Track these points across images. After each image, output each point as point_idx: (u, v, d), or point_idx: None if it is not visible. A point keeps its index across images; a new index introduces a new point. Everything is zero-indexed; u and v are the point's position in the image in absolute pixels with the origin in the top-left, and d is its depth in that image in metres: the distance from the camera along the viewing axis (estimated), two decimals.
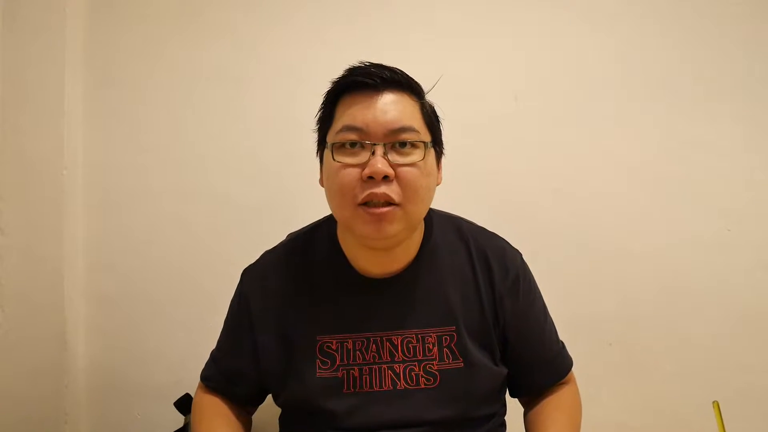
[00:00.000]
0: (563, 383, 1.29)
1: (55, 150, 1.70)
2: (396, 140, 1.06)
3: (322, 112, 1.14)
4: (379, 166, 1.04)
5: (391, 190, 1.05)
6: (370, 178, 1.04)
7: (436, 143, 1.15)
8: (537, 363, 1.25)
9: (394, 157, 1.06)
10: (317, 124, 1.16)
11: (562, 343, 1.31)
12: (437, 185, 1.16)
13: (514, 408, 1.31)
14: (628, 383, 1.74)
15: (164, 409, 1.66)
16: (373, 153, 1.04)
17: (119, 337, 1.77)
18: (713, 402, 0.96)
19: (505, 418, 1.28)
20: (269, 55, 1.80)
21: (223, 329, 1.29)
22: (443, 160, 1.20)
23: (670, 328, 1.73)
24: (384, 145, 1.05)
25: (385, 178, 1.04)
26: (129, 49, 1.82)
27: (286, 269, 1.22)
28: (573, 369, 1.32)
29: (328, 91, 1.13)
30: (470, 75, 1.75)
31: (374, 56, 1.17)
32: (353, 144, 1.07)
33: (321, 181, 1.17)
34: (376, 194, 1.05)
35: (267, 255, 1.28)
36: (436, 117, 1.16)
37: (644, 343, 1.74)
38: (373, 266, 1.17)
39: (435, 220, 1.23)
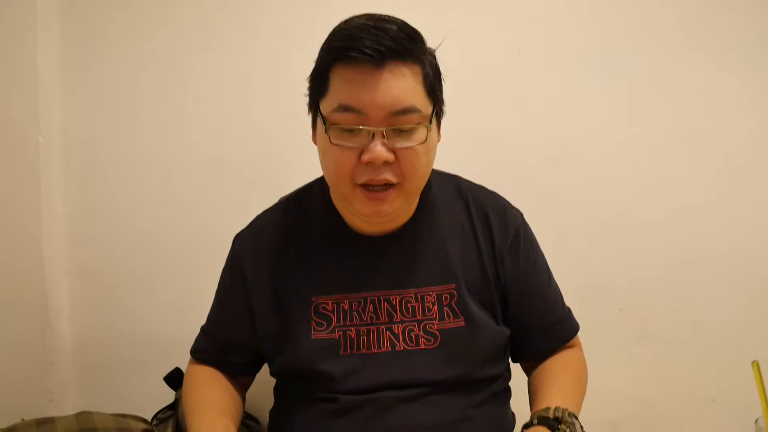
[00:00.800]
0: (568, 347, 1.26)
1: (29, 115, 1.63)
2: (397, 125, 1.02)
3: (316, 77, 1.09)
4: (379, 151, 1.00)
5: (391, 173, 1.04)
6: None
7: (438, 108, 1.10)
8: (540, 325, 1.22)
9: (395, 140, 1.02)
10: (309, 83, 1.12)
11: (569, 309, 1.28)
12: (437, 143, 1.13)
13: (517, 375, 1.29)
14: (640, 352, 1.70)
15: (153, 385, 1.61)
16: (373, 136, 1.00)
17: (105, 312, 1.74)
18: (753, 362, 0.91)
19: (510, 384, 1.26)
20: (257, 11, 1.72)
21: (214, 300, 1.28)
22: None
23: (683, 294, 1.69)
24: (384, 128, 1.01)
25: (385, 163, 1.01)
26: (108, 10, 1.74)
27: (279, 230, 1.21)
28: (581, 337, 1.29)
29: (321, 55, 1.08)
30: (472, 27, 1.68)
31: (372, 7, 1.10)
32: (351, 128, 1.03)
33: (314, 139, 1.12)
34: (375, 180, 1.03)
35: (258, 218, 1.27)
36: (438, 77, 1.11)
37: (656, 310, 1.69)
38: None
39: (433, 178, 1.19)
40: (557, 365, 1.21)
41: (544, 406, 1.08)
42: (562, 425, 1.02)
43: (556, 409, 1.05)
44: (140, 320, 1.73)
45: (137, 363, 1.72)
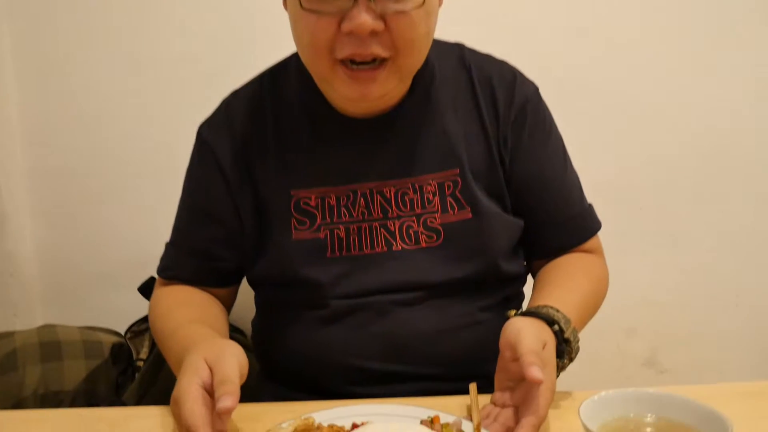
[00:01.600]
0: (587, 251, 1.10)
1: None
2: None
3: None
4: (364, 19, 0.83)
5: (380, 45, 0.87)
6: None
7: None
8: (551, 220, 1.07)
9: (384, 3, 0.85)
10: None
11: (590, 205, 1.12)
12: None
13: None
14: (659, 254, 1.61)
15: (129, 299, 1.48)
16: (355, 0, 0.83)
17: (71, 218, 1.61)
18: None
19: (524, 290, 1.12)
20: None
21: (182, 205, 1.11)
22: None
23: (707, 193, 1.61)
24: None
25: (372, 33, 0.85)
26: None
27: (252, 114, 1.05)
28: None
29: None
30: None
31: None
32: None
33: (285, 4, 0.94)
34: (360, 54, 0.86)
35: (226, 102, 1.09)
36: None
37: (679, 209, 1.61)
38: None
39: (432, 47, 1.00)
40: (571, 265, 1.06)
41: (541, 303, 0.90)
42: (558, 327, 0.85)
43: (550, 308, 0.88)
44: (111, 229, 1.62)
45: (109, 275, 1.62)
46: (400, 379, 0.98)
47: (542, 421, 0.75)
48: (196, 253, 1.06)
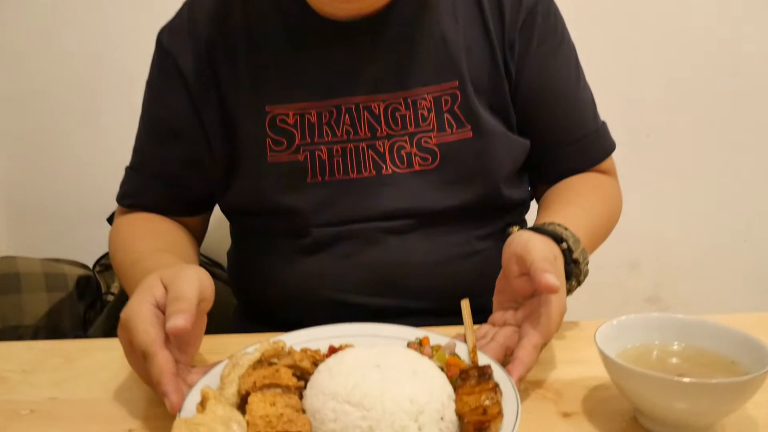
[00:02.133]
0: (601, 171, 1.01)
1: None
2: None
3: None
4: None
5: None
6: None
7: None
8: (563, 139, 0.97)
9: None
10: None
11: (603, 123, 1.02)
12: None
13: None
14: (667, 186, 1.53)
15: (98, 230, 1.36)
16: None
17: (37, 144, 1.53)
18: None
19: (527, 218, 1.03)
20: None
21: (142, 124, 0.99)
22: None
23: (719, 120, 1.52)
24: None
25: None
26: None
27: (218, 17, 0.93)
28: None
29: None
30: None
31: None
32: None
33: None
34: None
35: (188, 2, 0.97)
36: None
37: (688, 136, 1.53)
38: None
39: None
40: (581, 183, 0.97)
41: (547, 221, 0.80)
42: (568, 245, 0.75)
43: (558, 225, 0.78)
44: (80, 151, 1.52)
45: (79, 203, 1.53)
46: (390, 315, 0.87)
47: (548, 340, 0.66)
48: (159, 177, 0.96)
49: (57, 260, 1.24)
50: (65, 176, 1.53)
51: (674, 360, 0.60)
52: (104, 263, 1.30)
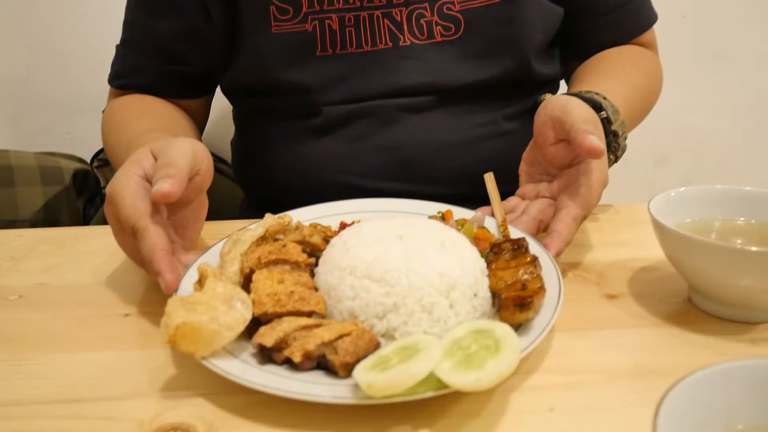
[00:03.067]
0: (640, 44, 0.93)
1: None
2: None
3: None
4: None
5: None
6: None
7: None
8: (601, 7, 0.89)
9: None
10: None
11: None
12: None
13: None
14: (700, 72, 1.42)
15: (96, 125, 1.29)
16: None
17: (33, 33, 1.42)
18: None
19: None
20: None
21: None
22: None
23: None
24: None
25: None
26: None
27: None
28: None
29: None
30: None
31: None
32: None
33: None
34: None
35: None
36: None
37: (728, 20, 1.41)
38: None
39: None
40: (620, 54, 0.89)
41: (584, 89, 0.74)
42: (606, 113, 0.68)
43: (596, 94, 0.71)
44: (77, 43, 1.41)
45: (78, 96, 1.43)
46: None
47: (588, 213, 0.59)
48: (155, 53, 0.87)
49: (52, 154, 1.17)
50: (60, 64, 1.43)
51: (738, 240, 0.53)
52: (102, 158, 1.23)
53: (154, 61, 0.88)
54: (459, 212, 0.62)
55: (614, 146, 0.69)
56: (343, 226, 0.58)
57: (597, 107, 0.67)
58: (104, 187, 1.16)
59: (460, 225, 0.58)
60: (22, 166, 1.07)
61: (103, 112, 1.04)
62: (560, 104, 0.62)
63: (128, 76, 0.90)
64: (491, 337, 0.41)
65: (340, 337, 0.43)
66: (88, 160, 1.24)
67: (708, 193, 0.55)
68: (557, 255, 0.55)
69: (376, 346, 0.44)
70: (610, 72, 0.83)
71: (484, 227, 0.59)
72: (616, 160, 0.70)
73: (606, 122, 0.67)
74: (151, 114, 0.85)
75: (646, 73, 0.88)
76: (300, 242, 0.53)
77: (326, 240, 0.54)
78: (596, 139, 0.56)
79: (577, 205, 0.58)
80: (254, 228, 0.54)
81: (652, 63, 0.92)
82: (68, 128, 1.43)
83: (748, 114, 1.44)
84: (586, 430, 0.41)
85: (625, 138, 0.71)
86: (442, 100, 0.82)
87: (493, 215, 0.62)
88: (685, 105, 1.41)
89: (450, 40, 0.81)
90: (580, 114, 0.60)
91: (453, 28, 0.80)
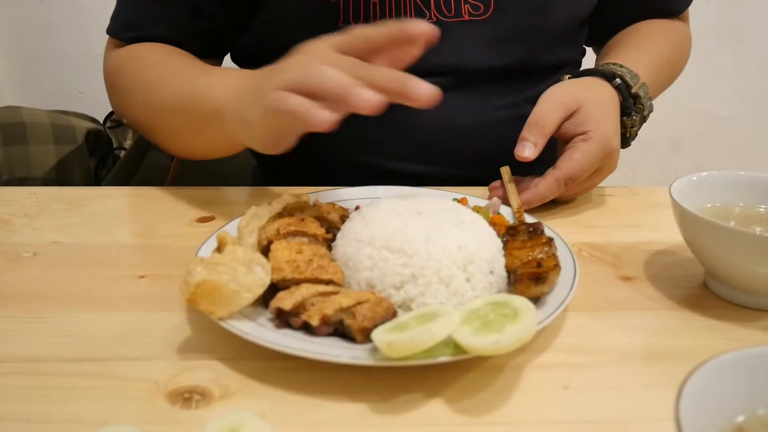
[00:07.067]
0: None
1: None
2: None
3: None
4: None
5: None
6: None
7: None
8: None
9: None
10: None
11: None
12: None
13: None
14: (720, 54, 1.39)
15: None
16: None
17: None
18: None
19: None
20: None
21: None
22: None
23: None
24: None
25: None
26: None
27: None
28: None
29: None
30: None
31: None
32: None
33: None
34: None
35: None
36: None
37: (756, 2, 1.37)
38: None
39: None
40: (648, 25, 0.89)
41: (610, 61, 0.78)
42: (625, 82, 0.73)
43: (612, 64, 0.75)
44: None
45: (90, 53, 1.32)
46: (424, 184, 0.79)
47: (574, 176, 0.65)
48: (186, 3, 0.80)
49: (65, 112, 1.16)
50: (73, 24, 1.42)
51: (757, 228, 0.53)
52: (115, 119, 1.22)
53: (174, 11, 0.80)
54: (473, 200, 0.62)
55: (639, 107, 0.73)
56: (358, 209, 0.58)
57: (610, 76, 0.71)
58: (117, 148, 1.15)
59: (476, 210, 0.58)
60: (35, 123, 1.07)
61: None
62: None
63: (140, 27, 0.80)
64: (509, 307, 0.41)
65: (359, 303, 0.43)
66: (101, 120, 1.24)
67: (730, 178, 0.55)
68: (526, 205, 0.63)
69: (394, 314, 0.44)
70: (633, 44, 0.85)
71: (499, 213, 0.59)
72: (644, 119, 0.75)
73: (624, 87, 0.72)
74: (183, 55, 0.79)
75: (671, 44, 0.88)
76: (318, 218, 0.53)
77: (343, 219, 0.54)
78: (523, 147, 0.65)
79: (565, 167, 0.64)
80: (273, 205, 0.54)
81: (680, 32, 0.92)
82: (80, 87, 1.42)
83: (765, 97, 1.42)
84: (602, 409, 0.41)
85: (650, 98, 0.75)
86: (463, 82, 0.80)
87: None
88: (704, 90, 1.39)
89: (477, 20, 0.78)
90: (537, 112, 0.67)
91: (482, 7, 0.78)
